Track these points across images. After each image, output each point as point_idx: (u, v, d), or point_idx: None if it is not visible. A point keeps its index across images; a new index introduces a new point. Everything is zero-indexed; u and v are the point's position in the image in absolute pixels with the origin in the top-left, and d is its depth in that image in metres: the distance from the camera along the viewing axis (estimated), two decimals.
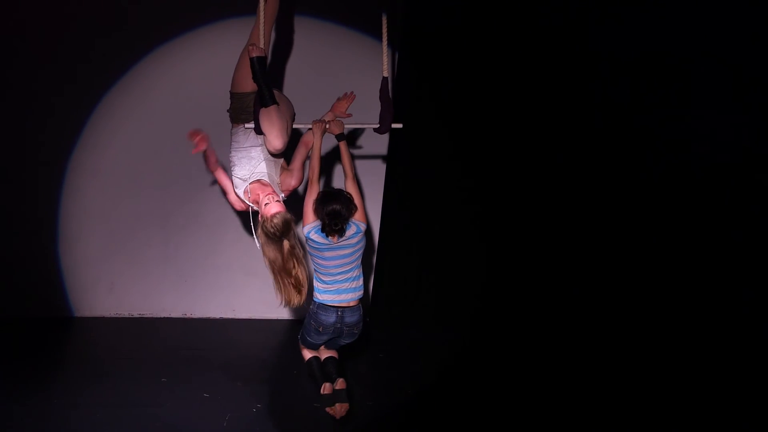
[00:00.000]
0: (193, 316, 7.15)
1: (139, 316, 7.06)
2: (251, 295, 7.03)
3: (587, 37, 6.09)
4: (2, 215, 6.59)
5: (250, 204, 4.87)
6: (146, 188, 6.81)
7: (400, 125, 5.17)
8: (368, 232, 7.14)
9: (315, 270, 4.70)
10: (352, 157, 4.92)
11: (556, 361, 6.38)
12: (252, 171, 4.94)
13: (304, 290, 4.74)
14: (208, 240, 7.00)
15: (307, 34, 6.56)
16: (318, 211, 4.58)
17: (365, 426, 5.51)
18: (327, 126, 5.00)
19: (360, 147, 6.97)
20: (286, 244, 4.63)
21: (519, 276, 6.99)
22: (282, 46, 6.51)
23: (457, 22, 6.60)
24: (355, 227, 4.60)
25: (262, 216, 4.73)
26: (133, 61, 6.53)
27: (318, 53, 6.61)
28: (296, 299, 4.70)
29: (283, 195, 4.96)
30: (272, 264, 4.67)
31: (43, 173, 6.62)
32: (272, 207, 4.68)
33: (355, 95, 5.30)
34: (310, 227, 4.58)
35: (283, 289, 4.71)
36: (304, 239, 4.73)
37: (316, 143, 4.90)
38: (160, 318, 7.07)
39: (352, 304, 4.68)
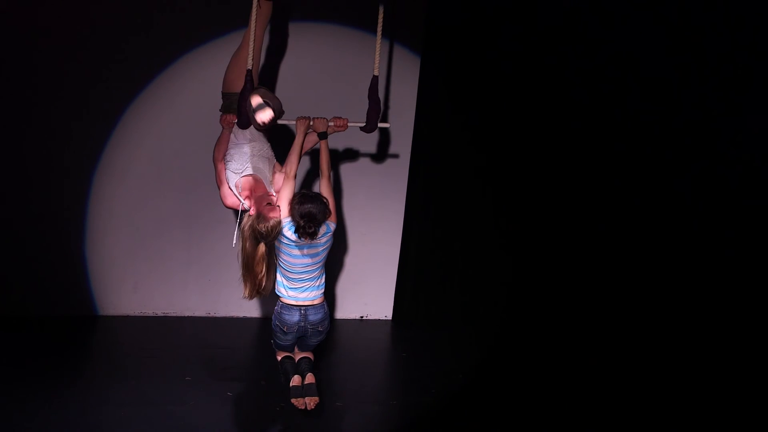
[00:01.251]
0: (217, 315, 7.16)
1: (163, 314, 7.08)
2: (275, 294, 7.01)
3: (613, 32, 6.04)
4: (30, 216, 6.64)
5: (241, 198, 4.87)
6: (171, 190, 6.85)
7: (387, 125, 5.20)
8: (393, 231, 7.16)
9: (280, 266, 4.67)
10: (331, 158, 4.92)
11: (582, 360, 6.33)
12: (244, 165, 4.95)
13: (262, 294, 4.85)
14: (231, 240, 6.98)
15: (300, 34, 6.66)
16: (293, 211, 4.55)
17: (389, 425, 5.49)
18: (311, 122, 4.96)
19: (384, 147, 6.97)
20: (262, 247, 4.66)
21: (544, 275, 6.94)
22: (275, 46, 6.59)
23: (482, 20, 6.58)
24: (325, 227, 4.57)
25: (255, 213, 4.73)
26: (161, 66, 6.61)
27: (310, 52, 6.71)
28: (258, 297, 4.84)
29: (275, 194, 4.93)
30: (246, 258, 4.72)
31: (70, 174, 6.67)
32: (273, 211, 4.69)
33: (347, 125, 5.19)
34: (284, 222, 4.54)
35: (246, 284, 4.78)
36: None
37: (298, 139, 4.88)
38: (184, 317, 7.09)
39: (315, 302, 4.68)
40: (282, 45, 6.64)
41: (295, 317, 4.63)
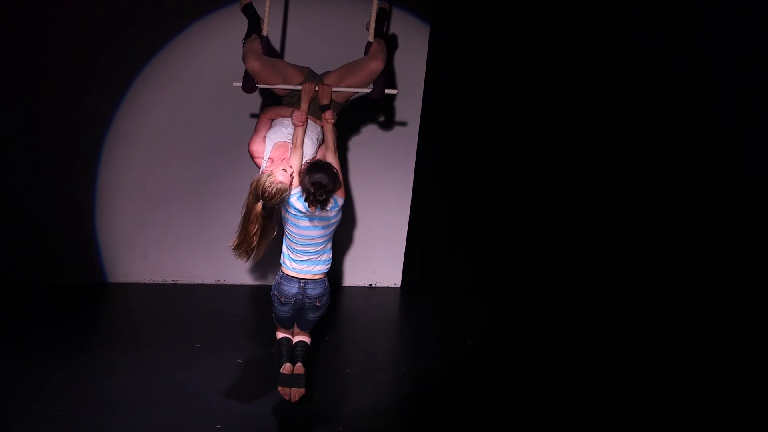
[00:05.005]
0: (226, 283, 7.19)
1: (172, 282, 7.11)
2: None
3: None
4: (41, 185, 6.64)
5: (265, 156, 4.82)
6: (180, 158, 6.83)
7: (394, 90, 5.11)
8: (402, 200, 7.15)
9: (286, 237, 4.62)
10: (336, 130, 4.83)
11: (590, 333, 6.32)
12: (285, 135, 4.90)
13: (249, 255, 4.73)
14: (240, 208, 6.99)
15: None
16: (303, 180, 4.49)
17: (398, 392, 5.52)
18: (316, 89, 4.89)
19: (392, 116, 6.93)
20: (259, 206, 4.60)
21: (555, 246, 6.91)
22: (280, 12, 6.50)
23: None
24: (333, 201, 4.51)
25: (268, 171, 4.69)
26: (171, 34, 6.55)
27: (316, 17, 6.63)
28: (242, 257, 4.72)
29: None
30: (244, 212, 4.70)
31: (80, 144, 6.66)
32: (284, 177, 4.62)
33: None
34: (291, 192, 4.50)
35: (237, 237, 4.73)
36: (282, 207, 4.62)
37: (303, 106, 4.81)
38: (194, 284, 7.11)
39: (316, 276, 4.62)
40: (286, 9, 6.55)
41: (293, 289, 4.59)
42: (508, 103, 6.76)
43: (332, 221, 4.58)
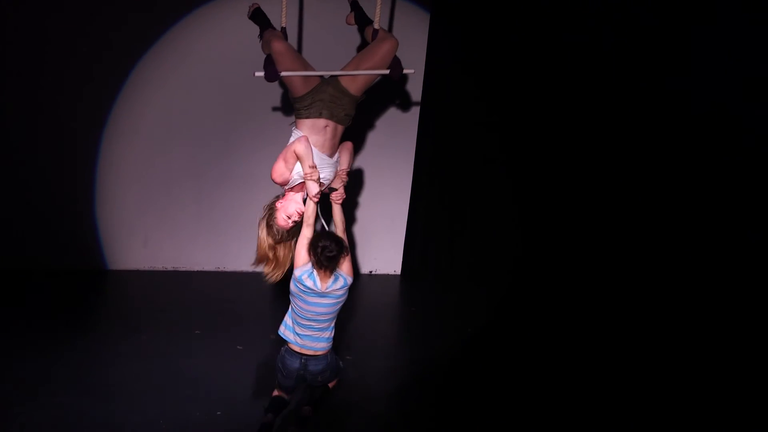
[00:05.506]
0: (226, 270, 7.19)
1: (173, 269, 7.12)
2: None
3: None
4: (42, 173, 6.65)
5: (291, 180, 4.73)
6: (180, 146, 6.83)
7: (412, 70, 5.02)
8: (402, 187, 7.14)
9: (292, 310, 4.64)
10: (344, 213, 4.80)
11: (590, 323, 6.34)
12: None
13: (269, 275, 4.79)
14: (240, 195, 7.01)
15: None
16: (311, 248, 4.51)
17: (398, 379, 5.53)
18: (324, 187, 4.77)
19: (392, 103, 6.92)
20: (268, 240, 4.69)
21: (555, 236, 6.92)
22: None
23: None
24: (342, 280, 4.55)
25: (280, 209, 4.64)
26: (172, 21, 6.55)
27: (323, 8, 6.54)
28: (272, 275, 4.77)
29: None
30: (258, 243, 4.77)
31: (80, 132, 6.66)
32: (283, 221, 4.61)
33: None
34: (302, 270, 4.52)
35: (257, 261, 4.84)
36: (292, 282, 4.61)
37: (314, 187, 4.60)
38: (194, 271, 7.12)
39: (318, 353, 4.64)
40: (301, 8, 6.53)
41: (295, 364, 4.62)
42: (509, 92, 6.74)
43: (339, 299, 4.60)
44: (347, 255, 4.57)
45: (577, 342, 6.03)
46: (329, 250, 4.45)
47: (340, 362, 4.96)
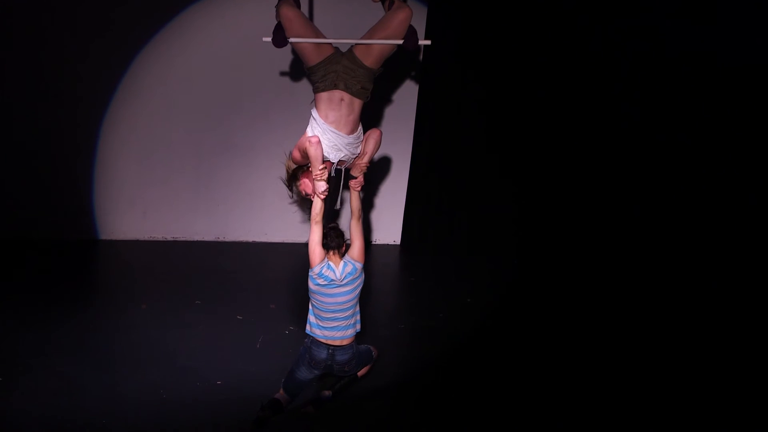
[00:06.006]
0: (226, 240, 7.19)
1: (172, 239, 7.12)
2: (284, 219, 7.04)
3: None
4: (43, 144, 6.63)
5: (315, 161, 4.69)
6: (180, 115, 6.78)
7: (428, 42, 4.95)
8: (402, 157, 7.11)
9: (313, 307, 4.68)
10: (361, 199, 4.81)
11: (586, 294, 6.37)
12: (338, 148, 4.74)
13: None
14: (240, 166, 6.98)
15: None
16: (323, 239, 4.62)
17: (397, 348, 5.55)
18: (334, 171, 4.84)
19: (394, 73, 6.85)
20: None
21: (553, 209, 6.93)
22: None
23: None
24: (351, 266, 4.59)
25: (304, 181, 4.70)
26: None
27: None
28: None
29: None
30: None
31: (82, 102, 6.61)
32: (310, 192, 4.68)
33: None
34: (320, 266, 4.60)
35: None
36: (310, 280, 4.64)
37: (321, 184, 4.65)
38: (193, 241, 7.12)
39: (344, 342, 4.69)
40: None
41: (323, 354, 4.67)
42: (509, 66, 6.71)
43: (355, 285, 4.67)
44: (359, 242, 4.66)
45: (576, 309, 6.05)
46: (333, 236, 4.59)
47: (373, 351, 5.01)
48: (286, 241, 7.19)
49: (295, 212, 6.78)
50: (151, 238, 7.09)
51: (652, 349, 5.45)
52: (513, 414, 4.78)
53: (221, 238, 7.20)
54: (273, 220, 7.15)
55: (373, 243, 7.39)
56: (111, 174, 6.86)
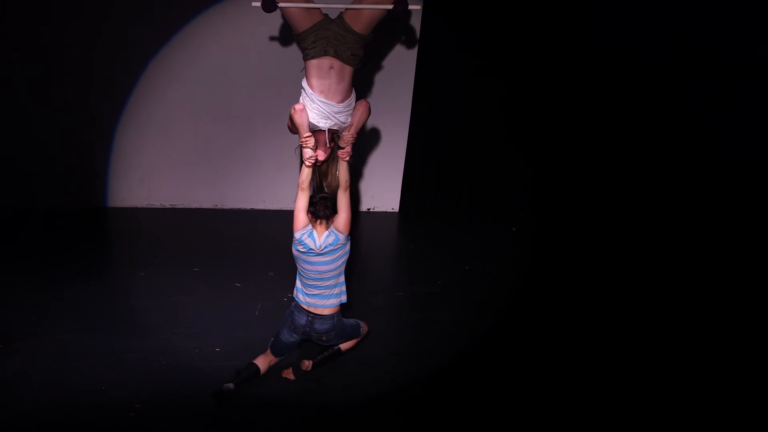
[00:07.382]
0: (224, 207, 7.19)
1: (171, 206, 7.11)
2: (282, 186, 7.02)
3: None
4: (45, 114, 6.60)
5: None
6: (178, 83, 6.73)
7: (418, 6, 4.89)
8: (401, 124, 7.07)
9: (299, 274, 4.73)
10: (350, 169, 4.78)
11: (587, 260, 6.38)
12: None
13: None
14: (238, 133, 6.95)
15: None
16: (309, 205, 4.63)
17: (395, 315, 5.57)
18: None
19: (391, 41, 6.81)
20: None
21: (551, 171, 6.93)
22: None
23: None
24: (334, 236, 4.58)
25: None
26: None
27: None
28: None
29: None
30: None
31: (79, 72, 6.57)
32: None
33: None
34: (301, 232, 4.60)
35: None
36: (293, 245, 4.67)
37: (309, 154, 4.68)
38: (192, 209, 7.11)
39: (324, 312, 4.70)
40: None
41: (302, 320, 4.71)
42: (509, 30, 6.64)
43: (337, 255, 4.64)
44: (345, 213, 4.64)
45: (574, 278, 6.06)
46: (319, 205, 4.59)
47: (363, 326, 5.02)
48: (283, 209, 7.18)
49: (292, 180, 6.75)
50: (149, 206, 7.08)
51: (651, 335, 5.45)
52: (511, 381, 4.82)
53: (219, 206, 7.19)
54: (271, 188, 7.14)
55: (372, 210, 7.38)
56: (108, 142, 6.83)
